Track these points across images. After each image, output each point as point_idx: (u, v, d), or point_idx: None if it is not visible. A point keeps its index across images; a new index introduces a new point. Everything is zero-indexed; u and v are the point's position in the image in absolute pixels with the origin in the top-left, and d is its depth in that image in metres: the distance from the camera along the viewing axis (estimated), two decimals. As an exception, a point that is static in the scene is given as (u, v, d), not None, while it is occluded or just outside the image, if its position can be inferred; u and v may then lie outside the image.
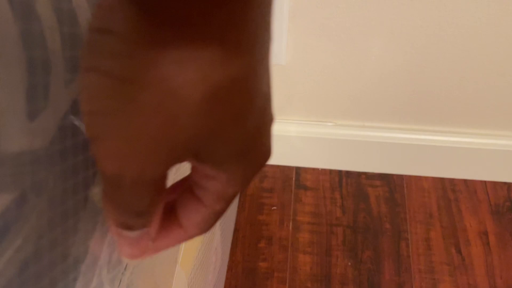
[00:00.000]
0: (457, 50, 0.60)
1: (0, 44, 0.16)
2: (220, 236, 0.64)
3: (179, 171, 0.39)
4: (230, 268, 0.73)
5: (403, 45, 0.58)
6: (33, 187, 0.18)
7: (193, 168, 0.18)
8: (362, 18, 0.55)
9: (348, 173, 0.82)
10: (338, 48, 0.59)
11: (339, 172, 0.83)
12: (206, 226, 0.18)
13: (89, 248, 0.22)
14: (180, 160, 0.16)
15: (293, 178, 0.82)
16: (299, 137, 0.75)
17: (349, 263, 0.74)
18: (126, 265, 0.28)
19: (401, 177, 0.82)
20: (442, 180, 0.82)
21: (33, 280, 0.18)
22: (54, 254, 0.19)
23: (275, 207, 0.79)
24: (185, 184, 0.19)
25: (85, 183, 0.21)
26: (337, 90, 0.66)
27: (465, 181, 0.81)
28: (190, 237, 0.19)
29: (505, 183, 0.81)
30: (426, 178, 0.82)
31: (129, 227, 0.17)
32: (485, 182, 0.81)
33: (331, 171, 0.83)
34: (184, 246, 0.42)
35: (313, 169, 0.83)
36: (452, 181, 0.81)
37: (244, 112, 0.15)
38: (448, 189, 0.81)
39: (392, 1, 0.53)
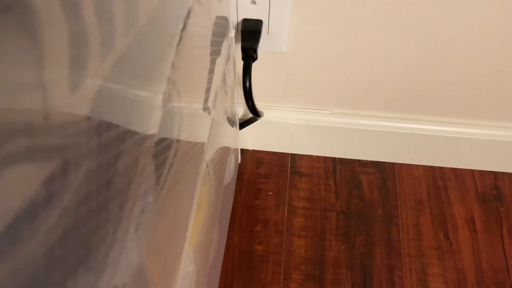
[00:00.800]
0: (452, 45, 0.62)
1: (47, 18, 0.18)
2: (218, 218, 0.66)
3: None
4: (227, 251, 0.75)
5: (401, 38, 0.60)
6: (73, 159, 0.20)
7: None
8: (364, 10, 0.57)
9: (342, 161, 0.85)
10: (339, 38, 0.61)
11: (333, 159, 0.85)
12: None
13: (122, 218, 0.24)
14: None
15: (289, 165, 0.84)
16: (296, 124, 0.77)
17: (342, 247, 0.76)
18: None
19: (393, 165, 0.84)
20: (432, 168, 0.84)
21: (73, 248, 0.19)
22: (91, 224, 0.21)
23: (270, 193, 0.81)
24: None
25: (117, 157, 0.23)
26: (336, 79, 0.68)
27: (454, 169, 0.84)
28: None
29: (492, 172, 0.84)
30: (417, 166, 0.84)
31: None
32: (473, 170, 0.84)
33: (325, 158, 0.85)
34: (192, 223, 0.44)
35: (308, 156, 0.85)
36: (441, 169, 0.84)
37: None
38: (438, 177, 0.83)
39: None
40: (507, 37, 0.60)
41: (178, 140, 0.36)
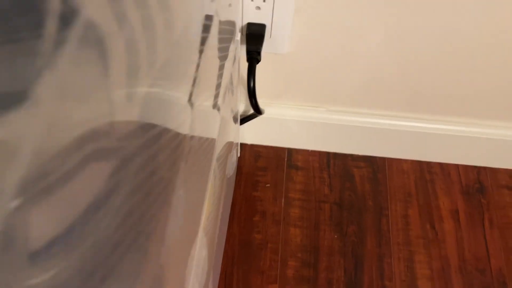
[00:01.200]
0: (441, 48, 0.67)
1: (113, 48, 0.22)
2: (221, 209, 0.70)
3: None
4: (227, 239, 0.80)
5: (394, 43, 0.65)
6: (128, 159, 0.24)
7: None
8: (362, 16, 0.61)
9: (336, 155, 0.89)
10: (336, 41, 0.65)
11: (327, 153, 0.89)
12: None
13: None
14: None
15: (285, 159, 0.89)
16: (293, 120, 0.82)
17: (336, 236, 0.81)
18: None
19: (383, 159, 0.89)
20: (420, 163, 0.90)
21: (133, 236, 0.24)
22: (145, 215, 0.25)
23: (268, 185, 0.86)
24: None
25: (165, 156, 0.27)
26: (332, 79, 0.73)
27: (440, 164, 0.90)
28: None
29: (475, 167, 0.90)
30: (406, 160, 0.90)
31: None
32: (457, 165, 0.90)
33: (320, 153, 0.90)
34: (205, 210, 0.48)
35: (304, 150, 0.89)
36: (428, 164, 0.89)
37: None
38: (425, 171, 0.89)
39: (389, 3, 0.59)
40: (497, 39, 0.65)
41: (198, 137, 0.41)
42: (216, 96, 0.51)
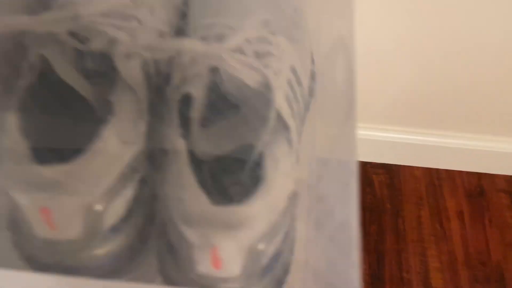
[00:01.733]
0: (452, 77, 0.79)
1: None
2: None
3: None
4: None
5: (417, 77, 0.77)
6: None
7: None
8: (395, 54, 0.73)
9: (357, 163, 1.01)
10: (370, 74, 0.77)
11: (350, 162, 1.01)
12: None
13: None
14: None
15: (313, 166, 1.00)
16: (322, 134, 0.93)
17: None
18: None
19: (398, 166, 1.02)
20: (429, 169, 1.02)
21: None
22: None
23: (299, 190, 0.97)
24: None
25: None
26: (361, 102, 0.85)
27: (447, 171, 1.02)
28: None
29: (476, 173, 1.03)
30: (418, 168, 1.02)
31: None
32: (461, 172, 1.03)
33: (343, 161, 1.01)
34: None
35: (329, 159, 1.01)
36: (437, 170, 1.02)
37: None
38: (434, 177, 1.01)
39: (418, 42, 0.72)
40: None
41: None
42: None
